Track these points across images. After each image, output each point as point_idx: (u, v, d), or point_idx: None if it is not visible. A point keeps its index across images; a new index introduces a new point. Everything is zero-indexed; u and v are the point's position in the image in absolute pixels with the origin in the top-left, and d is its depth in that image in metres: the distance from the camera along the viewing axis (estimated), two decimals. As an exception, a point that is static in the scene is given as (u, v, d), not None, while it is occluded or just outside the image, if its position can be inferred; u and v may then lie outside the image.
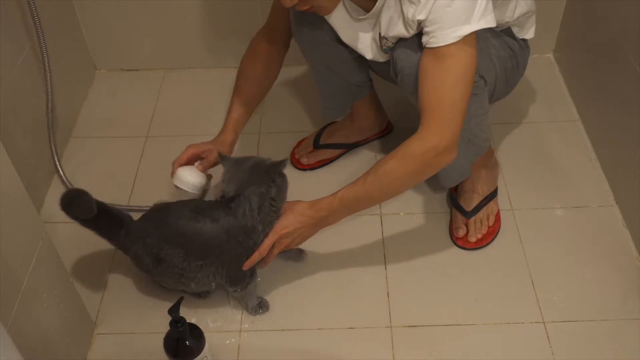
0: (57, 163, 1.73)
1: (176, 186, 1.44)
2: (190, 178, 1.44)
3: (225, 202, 1.34)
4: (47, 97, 1.67)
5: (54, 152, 1.73)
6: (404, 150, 1.26)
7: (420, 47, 1.25)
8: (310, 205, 1.34)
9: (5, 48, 1.55)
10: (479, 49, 1.23)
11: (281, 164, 1.34)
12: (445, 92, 1.22)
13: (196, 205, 1.37)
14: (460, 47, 1.20)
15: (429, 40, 1.21)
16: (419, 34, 1.25)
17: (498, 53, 1.42)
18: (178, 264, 1.33)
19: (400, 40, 1.32)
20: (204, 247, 1.34)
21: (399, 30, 1.27)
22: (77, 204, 1.30)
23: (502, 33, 1.44)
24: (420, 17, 1.20)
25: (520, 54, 1.49)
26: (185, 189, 1.44)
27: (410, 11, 1.22)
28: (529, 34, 1.49)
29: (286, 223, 1.34)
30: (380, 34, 1.34)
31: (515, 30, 1.46)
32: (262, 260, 1.37)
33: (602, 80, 1.74)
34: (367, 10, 1.34)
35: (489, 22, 1.21)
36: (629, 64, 1.54)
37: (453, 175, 1.55)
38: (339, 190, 1.33)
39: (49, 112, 1.69)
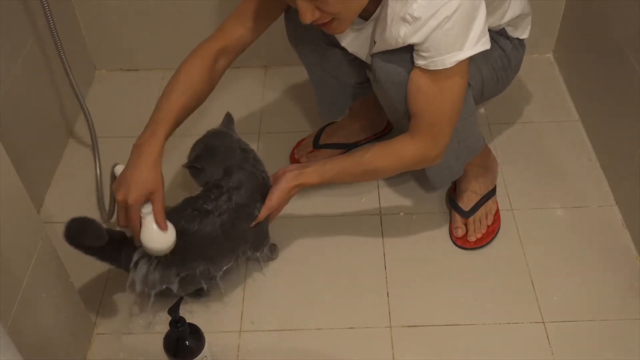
0: (82, 102, 1.71)
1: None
2: (156, 245, 1.27)
3: (217, 185, 1.34)
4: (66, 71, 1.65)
5: (77, 89, 1.69)
6: (399, 151, 1.34)
7: (398, 58, 1.28)
8: (295, 177, 1.38)
9: (5, 48, 1.55)
10: None
11: (228, 118, 1.43)
12: (442, 111, 1.28)
13: (194, 205, 1.35)
14: (456, 71, 1.23)
15: (427, 64, 1.23)
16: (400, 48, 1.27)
17: (485, 54, 1.42)
18: (207, 273, 1.36)
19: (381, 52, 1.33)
20: (227, 241, 1.35)
21: (388, 41, 1.27)
22: (86, 232, 1.28)
23: (494, 33, 1.44)
24: (414, 40, 1.20)
25: (514, 53, 1.49)
26: (158, 255, 1.30)
27: (402, 30, 1.20)
28: (524, 34, 1.49)
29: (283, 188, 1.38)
30: (374, 40, 1.35)
31: (509, 30, 1.46)
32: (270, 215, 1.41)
33: (602, 80, 1.74)
34: (366, 18, 1.34)
35: (484, 44, 1.23)
36: (629, 63, 1.54)
37: (443, 175, 1.56)
38: (327, 168, 1.37)
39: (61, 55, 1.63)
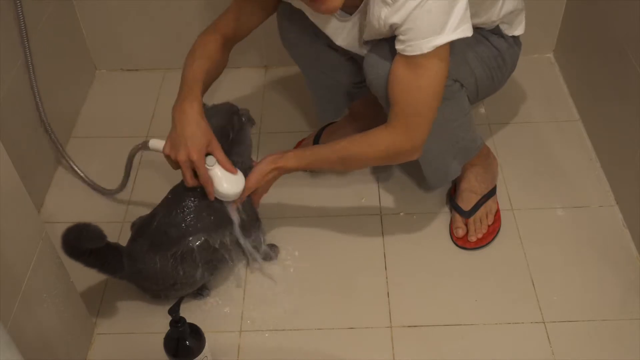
0: (64, 154, 1.73)
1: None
2: (232, 189, 1.32)
3: None
4: (34, 94, 1.66)
5: (58, 145, 1.72)
6: (374, 142, 1.33)
7: (387, 58, 1.28)
8: (274, 159, 1.39)
9: (5, 48, 1.55)
10: (454, 53, 1.25)
11: (238, 111, 1.41)
12: (417, 100, 1.26)
13: (176, 193, 1.39)
14: (433, 58, 1.21)
15: (404, 49, 1.22)
16: (389, 41, 1.27)
17: (479, 55, 1.42)
18: (206, 248, 1.36)
19: (372, 45, 1.33)
20: (215, 216, 1.37)
21: (372, 23, 1.27)
22: (83, 236, 1.28)
23: (489, 32, 1.44)
24: (394, 20, 1.20)
25: (509, 52, 1.48)
26: (235, 198, 1.35)
27: (383, 11, 1.22)
28: (518, 30, 1.48)
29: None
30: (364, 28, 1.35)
31: (504, 27, 1.46)
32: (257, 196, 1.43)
33: (602, 80, 1.74)
34: (351, 13, 1.34)
35: (465, 31, 1.21)
36: (629, 63, 1.54)
37: (439, 176, 1.56)
38: (306, 154, 1.40)
39: (40, 109, 1.67)
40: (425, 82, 1.25)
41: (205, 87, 1.40)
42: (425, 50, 1.20)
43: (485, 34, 1.44)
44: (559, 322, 1.42)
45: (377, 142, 1.33)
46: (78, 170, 1.74)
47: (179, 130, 1.30)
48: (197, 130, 1.29)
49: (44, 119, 1.68)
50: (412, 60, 1.22)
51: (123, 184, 1.63)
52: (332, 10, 1.24)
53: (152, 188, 1.67)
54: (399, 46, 1.23)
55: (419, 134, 1.30)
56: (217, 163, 1.32)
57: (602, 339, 1.39)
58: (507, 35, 1.47)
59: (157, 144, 1.37)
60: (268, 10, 1.47)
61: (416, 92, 1.26)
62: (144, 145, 1.39)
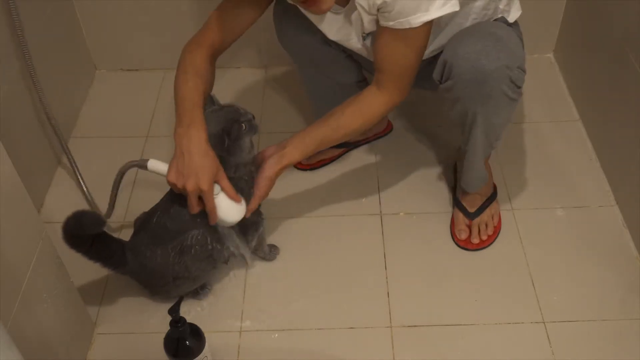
0: (68, 154, 1.72)
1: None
2: (234, 217, 1.34)
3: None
4: (35, 88, 1.63)
5: (62, 143, 1.71)
6: (372, 109, 1.38)
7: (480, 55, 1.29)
8: (278, 161, 1.38)
9: (5, 47, 1.55)
10: (517, 43, 1.32)
11: (239, 119, 1.34)
12: (407, 65, 1.33)
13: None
14: (420, 30, 1.25)
15: (394, 25, 1.24)
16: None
17: (519, 43, 1.41)
18: (204, 243, 1.36)
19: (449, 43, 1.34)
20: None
21: (365, 8, 1.28)
22: (84, 223, 1.28)
23: (510, 26, 1.42)
24: (379, 1, 1.23)
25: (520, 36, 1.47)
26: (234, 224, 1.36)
27: None
28: (516, 14, 1.46)
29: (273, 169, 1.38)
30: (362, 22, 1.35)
31: (507, 16, 1.44)
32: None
33: (602, 80, 1.74)
34: (343, 5, 1.35)
35: (453, 6, 1.23)
36: (629, 63, 1.54)
37: (480, 177, 1.56)
38: (307, 142, 1.39)
39: (45, 108, 1.66)
40: (413, 50, 1.30)
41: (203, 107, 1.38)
42: (415, 25, 1.23)
43: (512, 26, 1.42)
44: (559, 322, 1.42)
45: (377, 109, 1.38)
46: (79, 176, 1.73)
47: (186, 159, 1.27)
48: (206, 161, 1.27)
49: (47, 113, 1.65)
50: (402, 32, 1.25)
51: (110, 209, 1.56)
52: (324, 10, 1.26)
53: (151, 188, 1.67)
54: (389, 23, 1.25)
55: (406, 90, 1.37)
56: (221, 191, 1.31)
57: (602, 339, 1.39)
58: (511, 23, 1.45)
59: (157, 165, 1.34)
60: (255, 11, 1.42)
61: (406, 60, 1.32)
62: (142, 164, 1.36)
